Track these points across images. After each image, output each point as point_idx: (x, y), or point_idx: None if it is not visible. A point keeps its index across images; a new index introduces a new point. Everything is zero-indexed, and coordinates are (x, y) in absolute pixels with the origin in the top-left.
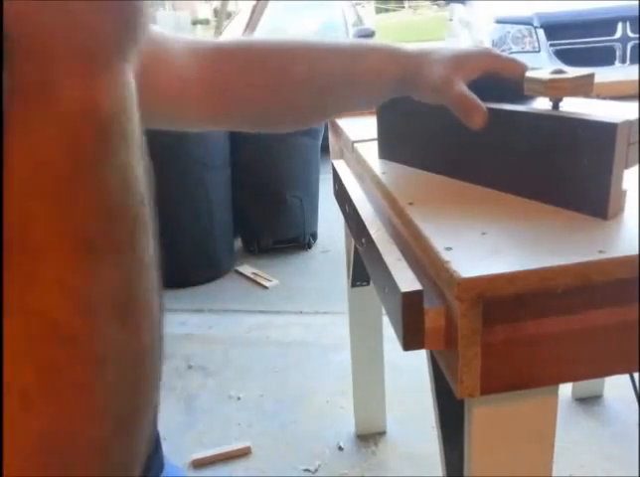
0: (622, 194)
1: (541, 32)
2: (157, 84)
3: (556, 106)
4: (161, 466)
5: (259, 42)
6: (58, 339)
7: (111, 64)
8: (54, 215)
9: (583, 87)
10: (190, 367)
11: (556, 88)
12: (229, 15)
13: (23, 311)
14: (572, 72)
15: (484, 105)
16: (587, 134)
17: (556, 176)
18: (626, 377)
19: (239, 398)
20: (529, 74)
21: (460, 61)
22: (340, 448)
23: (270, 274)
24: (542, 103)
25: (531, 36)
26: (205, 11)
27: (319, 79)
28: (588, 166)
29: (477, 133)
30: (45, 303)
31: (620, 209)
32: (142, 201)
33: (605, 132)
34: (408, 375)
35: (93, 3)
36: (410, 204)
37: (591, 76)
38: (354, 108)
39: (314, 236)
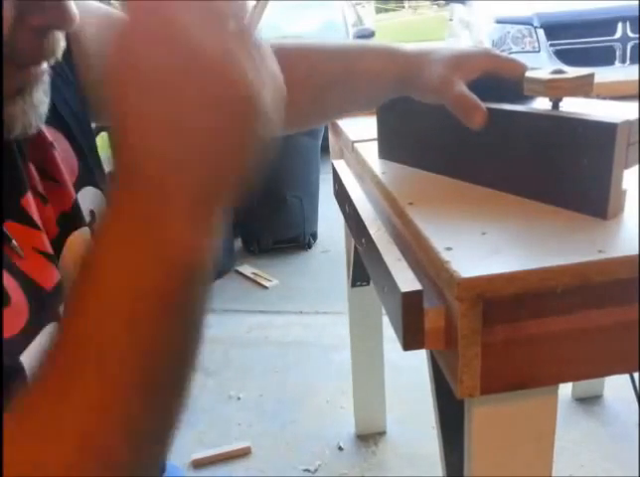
0: (622, 194)
1: (541, 32)
2: None
3: (555, 106)
4: (163, 467)
5: None
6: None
7: (216, 210)
8: (132, 355)
9: (583, 87)
10: None
11: (555, 88)
12: None
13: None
14: (572, 72)
15: (484, 105)
16: (587, 134)
17: (555, 176)
18: (626, 377)
19: (239, 399)
20: (529, 74)
21: (460, 61)
22: (340, 448)
23: (270, 274)
24: (541, 103)
25: (531, 36)
26: None
27: (318, 79)
28: (588, 166)
29: (477, 133)
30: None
31: (620, 209)
32: (197, 357)
33: (605, 132)
34: (408, 375)
35: (221, 144)
36: (410, 204)
37: (591, 76)
38: (353, 109)
39: (314, 236)
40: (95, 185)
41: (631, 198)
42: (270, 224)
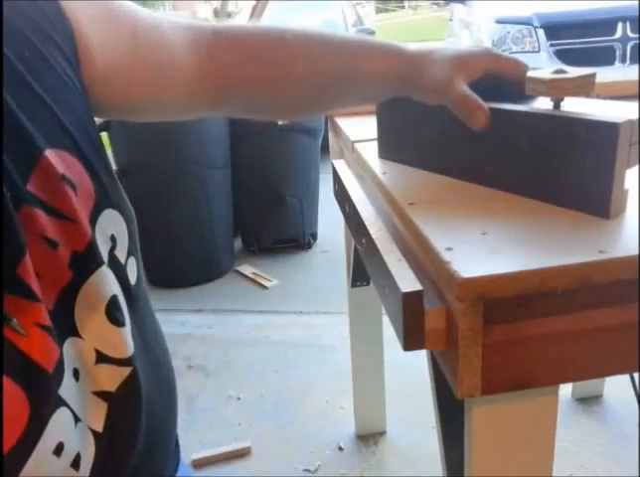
0: (624, 193)
1: (541, 32)
2: (161, 82)
3: (557, 106)
4: (177, 464)
5: (261, 33)
6: None
7: None
8: None
9: (584, 87)
10: (190, 367)
11: (557, 88)
12: (229, 15)
13: None
14: (574, 72)
15: (486, 105)
16: (589, 134)
17: (557, 175)
18: (626, 377)
19: (239, 399)
20: (530, 73)
21: (461, 61)
22: (340, 448)
23: (270, 274)
24: (543, 103)
25: (531, 36)
26: (205, 11)
27: (317, 77)
28: (590, 165)
29: (478, 133)
30: None
31: (622, 208)
32: None
33: (607, 132)
34: (408, 375)
35: None
36: (411, 204)
37: (592, 75)
38: (352, 105)
39: (314, 236)
40: (113, 206)
41: (633, 198)
42: (270, 224)
